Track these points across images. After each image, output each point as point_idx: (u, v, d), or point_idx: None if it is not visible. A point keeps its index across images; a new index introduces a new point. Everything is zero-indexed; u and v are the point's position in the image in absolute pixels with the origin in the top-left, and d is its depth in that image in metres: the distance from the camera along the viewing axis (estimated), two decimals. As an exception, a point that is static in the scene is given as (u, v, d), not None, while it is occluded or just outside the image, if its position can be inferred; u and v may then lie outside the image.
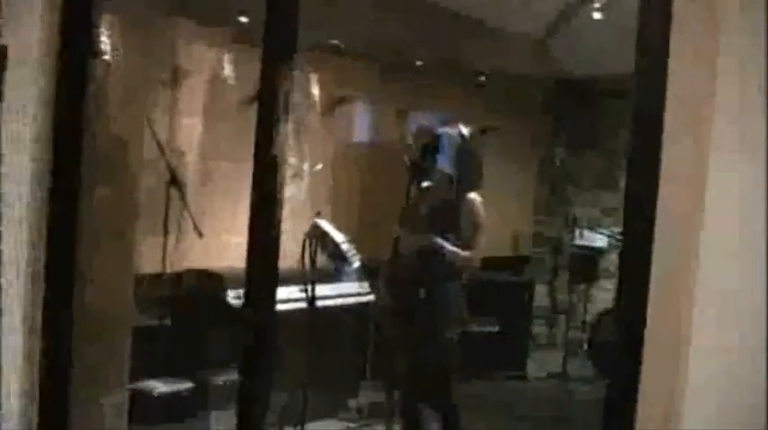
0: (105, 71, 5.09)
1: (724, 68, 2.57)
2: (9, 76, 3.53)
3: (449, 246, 4.98)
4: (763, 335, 2.54)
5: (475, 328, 7.17)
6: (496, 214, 7.44)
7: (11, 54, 3.54)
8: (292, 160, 6.73)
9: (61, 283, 3.75)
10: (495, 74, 7.76)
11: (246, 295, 3.68)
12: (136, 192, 4.84)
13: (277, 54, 3.61)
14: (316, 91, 6.91)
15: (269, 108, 3.65)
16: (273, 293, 3.70)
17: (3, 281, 3.50)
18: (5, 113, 3.50)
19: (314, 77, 6.89)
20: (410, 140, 6.17)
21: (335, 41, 6.60)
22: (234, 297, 5.55)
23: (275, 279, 3.67)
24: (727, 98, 2.57)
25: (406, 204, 5.13)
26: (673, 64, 2.64)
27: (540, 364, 8.01)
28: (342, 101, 7.17)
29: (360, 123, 7.55)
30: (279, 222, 3.71)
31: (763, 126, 2.56)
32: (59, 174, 3.66)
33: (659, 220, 2.65)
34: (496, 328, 7.59)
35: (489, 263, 6.34)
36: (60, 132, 3.66)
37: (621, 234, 2.90)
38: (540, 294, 8.52)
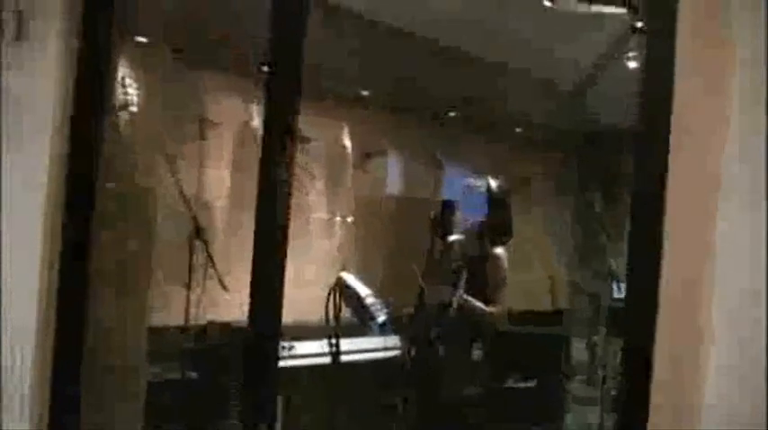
0: (129, 122, 5.23)
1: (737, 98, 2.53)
2: (22, 119, 3.59)
3: (473, 302, 4.93)
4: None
5: (511, 384, 7.01)
6: (531, 266, 7.35)
7: (24, 100, 3.58)
8: (323, 214, 6.70)
9: (71, 334, 3.72)
10: (528, 123, 7.65)
11: (247, 349, 3.61)
12: (152, 243, 4.97)
13: (281, 102, 3.67)
14: (347, 143, 6.87)
15: (271, 157, 3.73)
16: (276, 347, 3.71)
17: (10, 328, 3.52)
18: (22, 156, 3.56)
19: (344, 130, 6.86)
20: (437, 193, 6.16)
21: (365, 92, 6.55)
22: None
23: (277, 332, 3.70)
24: (738, 134, 2.53)
25: (431, 258, 5.06)
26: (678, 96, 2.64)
27: (578, 421, 7.79)
28: (371, 154, 7.13)
29: (391, 176, 7.48)
30: (282, 273, 3.72)
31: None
32: (71, 217, 3.66)
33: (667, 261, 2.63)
34: (532, 384, 7.40)
35: (525, 316, 6.21)
36: (73, 177, 3.67)
37: (627, 270, 2.83)
38: (578, 348, 8.31)
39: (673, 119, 2.65)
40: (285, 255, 3.71)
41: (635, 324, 2.77)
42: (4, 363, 3.50)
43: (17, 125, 3.58)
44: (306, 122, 6.35)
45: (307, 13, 3.55)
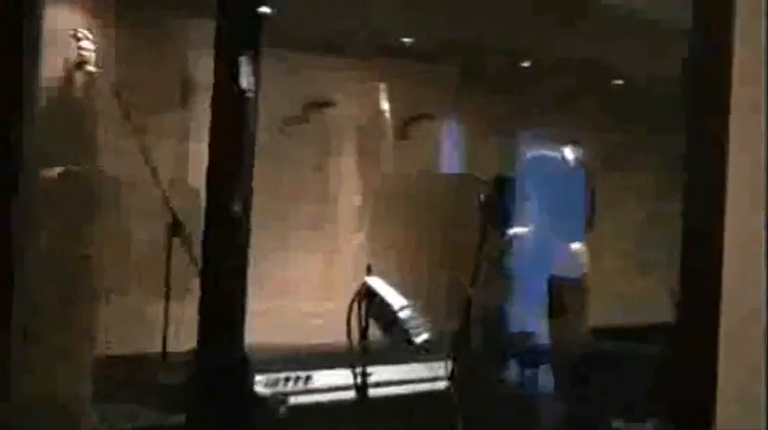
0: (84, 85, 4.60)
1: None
2: None
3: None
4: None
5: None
6: (632, 267, 6.59)
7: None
8: (354, 196, 5.90)
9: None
10: (620, 77, 6.58)
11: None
12: (106, 243, 4.45)
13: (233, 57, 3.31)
14: (385, 106, 5.98)
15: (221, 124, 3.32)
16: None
17: None
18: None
19: (382, 91, 5.97)
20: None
21: (407, 40, 5.66)
22: (263, 383, 4.54)
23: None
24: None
25: (481, 257, 3.90)
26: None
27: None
28: (415, 120, 6.09)
29: (437, 147, 6.46)
30: (244, 275, 3.47)
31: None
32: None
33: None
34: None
35: (631, 332, 5.20)
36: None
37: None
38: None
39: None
40: (247, 246, 3.39)
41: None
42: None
43: None
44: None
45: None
